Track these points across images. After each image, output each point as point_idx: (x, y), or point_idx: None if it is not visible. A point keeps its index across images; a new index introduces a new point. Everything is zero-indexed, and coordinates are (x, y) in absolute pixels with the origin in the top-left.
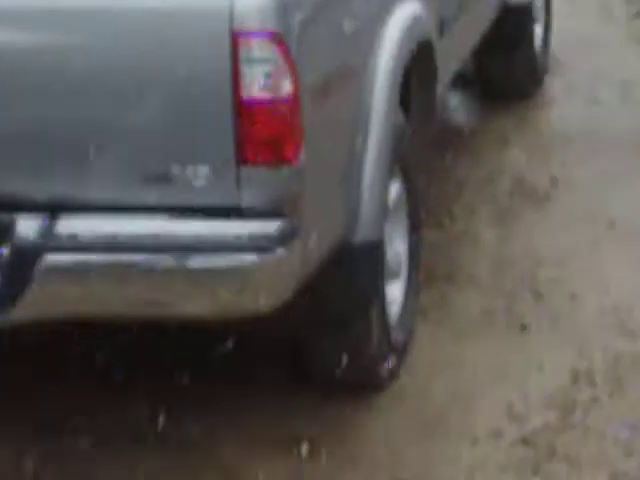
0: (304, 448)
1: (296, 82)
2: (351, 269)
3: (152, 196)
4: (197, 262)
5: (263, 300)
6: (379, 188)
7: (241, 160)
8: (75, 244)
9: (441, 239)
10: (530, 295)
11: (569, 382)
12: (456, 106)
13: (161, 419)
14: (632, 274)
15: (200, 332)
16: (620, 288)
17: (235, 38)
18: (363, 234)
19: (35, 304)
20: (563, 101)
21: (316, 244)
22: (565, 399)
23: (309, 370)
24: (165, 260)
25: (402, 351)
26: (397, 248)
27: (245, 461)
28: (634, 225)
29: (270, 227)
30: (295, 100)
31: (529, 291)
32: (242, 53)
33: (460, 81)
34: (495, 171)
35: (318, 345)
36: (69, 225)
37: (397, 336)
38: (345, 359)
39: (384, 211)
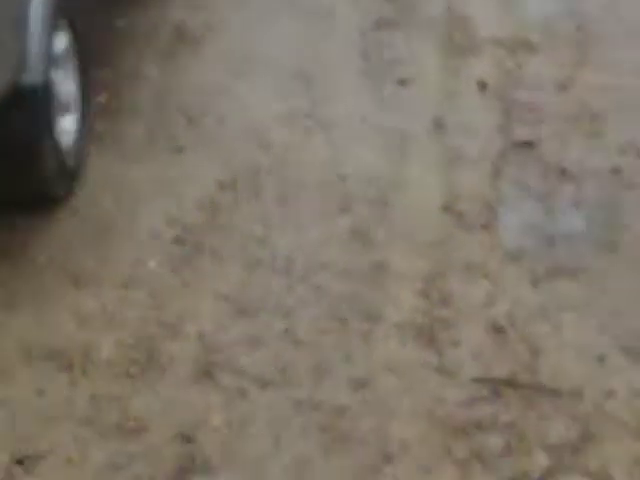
0: None
1: None
2: (22, 107)
3: None
4: None
5: None
6: (43, 40)
7: None
8: None
9: (112, 77)
10: (185, 121)
11: (216, 191)
12: None
13: None
14: (273, 100)
15: None
16: (260, 112)
17: None
18: (31, 78)
19: None
20: None
21: None
22: (212, 205)
23: None
24: None
25: (76, 172)
26: (68, 87)
27: None
28: (271, 58)
29: None
30: None
31: (185, 118)
32: None
33: None
34: (160, 20)
35: (3, 170)
36: None
37: (71, 160)
38: (26, 181)
39: (49, 58)
